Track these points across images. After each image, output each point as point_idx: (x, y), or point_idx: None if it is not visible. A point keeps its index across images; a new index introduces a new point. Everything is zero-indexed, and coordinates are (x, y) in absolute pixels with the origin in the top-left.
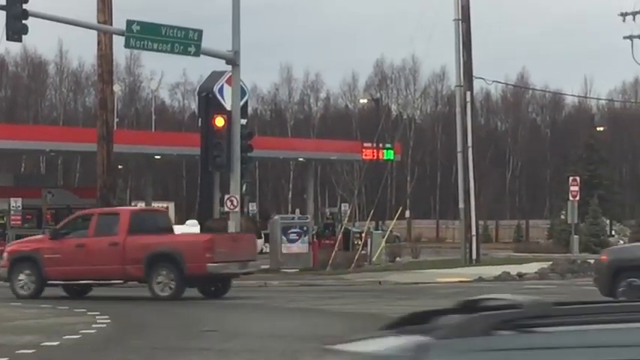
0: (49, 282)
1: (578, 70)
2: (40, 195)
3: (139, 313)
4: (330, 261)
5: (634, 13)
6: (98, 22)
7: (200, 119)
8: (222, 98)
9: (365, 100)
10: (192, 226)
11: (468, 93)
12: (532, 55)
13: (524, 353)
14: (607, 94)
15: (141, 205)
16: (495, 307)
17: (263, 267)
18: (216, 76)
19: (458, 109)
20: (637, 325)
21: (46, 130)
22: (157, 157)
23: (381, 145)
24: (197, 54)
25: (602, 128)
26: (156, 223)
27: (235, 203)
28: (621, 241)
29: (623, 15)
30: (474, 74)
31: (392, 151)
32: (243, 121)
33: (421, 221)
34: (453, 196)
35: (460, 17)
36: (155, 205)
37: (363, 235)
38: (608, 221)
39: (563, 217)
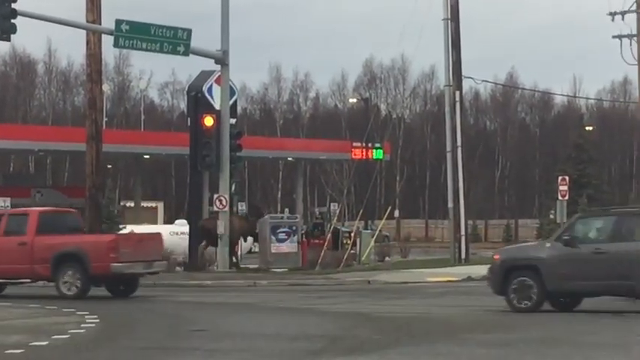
0: None
1: (567, 70)
2: (29, 194)
3: (128, 313)
4: (319, 260)
5: (623, 13)
6: (87, 21)
7: (189, 119)
8: (212, 98)
9: (354, 100)
10: (181, 226)
11: (457, 92)
12: (521, 55)
13: None
14: (596, 94)
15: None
16: None
17: (252, 267)
18: (205, 75)
19: (447, 109)
20: None
21: (35, 130)
22: (146, 156)
23: (370, 144)
24: (186, 53)
25: (591, 128)
26: (65, 223)
27: (224, 203)
28: None
29: (612, 14)
30: (463, 74)
31: (381, 151)
32: (233, 121)
33: (410, 221)
34: (442, 195)
35: (449, 17)
36: (144, 204)
37: (352, 234)
38: None
39: (552, 216)
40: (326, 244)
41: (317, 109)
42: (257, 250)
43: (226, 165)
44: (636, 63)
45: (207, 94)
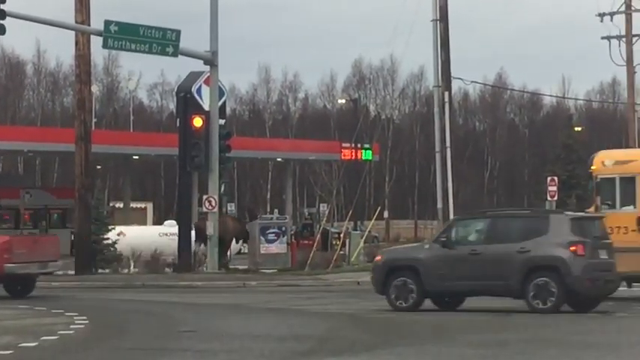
0: None
1: (556, 71)
2: (18, 195)
3: (117, 314)
4: (309, 261)
5: (611, 14)
6: (76, 22)
7: (178, 119)
8: (201, 98)
9: (343, 101)
10: (170, 227)
11: (446, 93)
12: (510, 56)
13: None
14: (585, 95)
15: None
16: None
17: (242, 267)
18: (194, 76)
19: (436, 110)
20: None
21: (23, 131)
22: (135, 157)
23: (359, 145)
24: (175, 54)
25: (580, 128)
26: None
27: (214, 203)
28: None
29: (601, 15)
30: (452, 74)
31: (370, 152)
32: (222, 122)
33: (399, 221)
34: (431, 196)
35: (438, 17)
36: (134, 205)
37: (342, 235)
38: None
39: None
40: (315, 244)
41: (306, 109)
42: (246, 251)
43: (215, 166)
44: (625, 64)
45: (196, 95)
